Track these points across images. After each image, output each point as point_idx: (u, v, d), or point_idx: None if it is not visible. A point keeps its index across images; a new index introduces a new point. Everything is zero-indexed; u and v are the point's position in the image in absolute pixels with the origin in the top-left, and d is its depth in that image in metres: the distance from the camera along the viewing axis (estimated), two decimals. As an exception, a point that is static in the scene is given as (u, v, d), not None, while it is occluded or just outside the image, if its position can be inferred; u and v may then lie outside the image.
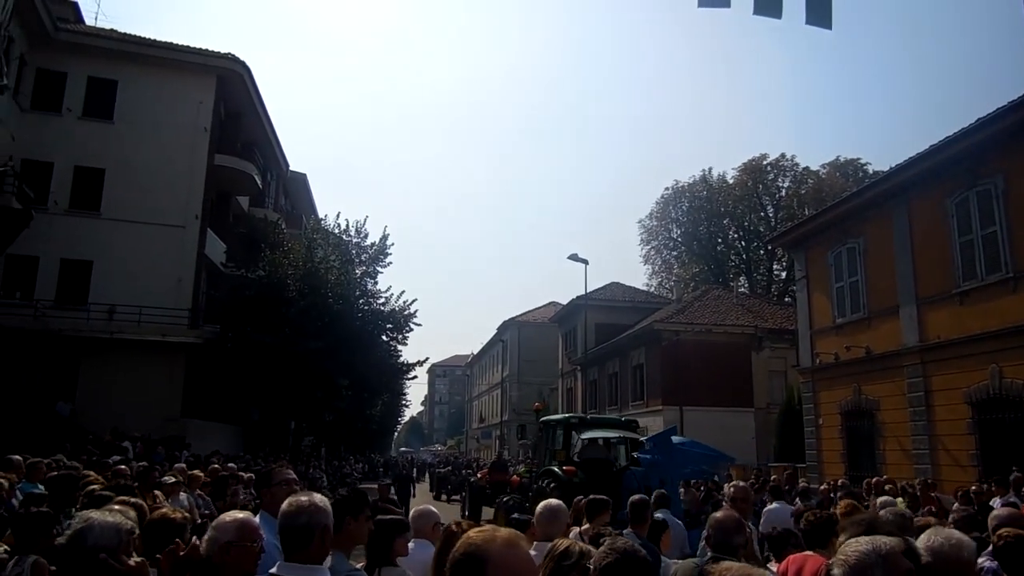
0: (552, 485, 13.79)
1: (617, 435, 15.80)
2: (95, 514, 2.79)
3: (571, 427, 16.18)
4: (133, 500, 4.99)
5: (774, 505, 8.99)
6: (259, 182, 30.08)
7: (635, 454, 14.16)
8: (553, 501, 4.53)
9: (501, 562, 1.68)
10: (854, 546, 2.34)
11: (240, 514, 3.33)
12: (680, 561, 4.24)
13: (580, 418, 17.61)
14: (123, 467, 8.77)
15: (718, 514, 4.17)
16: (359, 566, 3.82)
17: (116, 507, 3.15)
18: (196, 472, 10.97)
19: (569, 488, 12.33)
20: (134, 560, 2.80)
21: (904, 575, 2.28)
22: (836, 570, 2.32)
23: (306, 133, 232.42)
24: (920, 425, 16.03)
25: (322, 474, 25.54)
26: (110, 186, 24.46)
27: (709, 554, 3.93)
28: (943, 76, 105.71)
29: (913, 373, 16.35)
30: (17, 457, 8.26)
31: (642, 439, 14.52)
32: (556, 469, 14.66)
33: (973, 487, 11.57)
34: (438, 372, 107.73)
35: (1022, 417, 13.55)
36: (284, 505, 2.97)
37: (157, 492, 8.27)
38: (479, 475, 25.23)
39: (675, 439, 13.66)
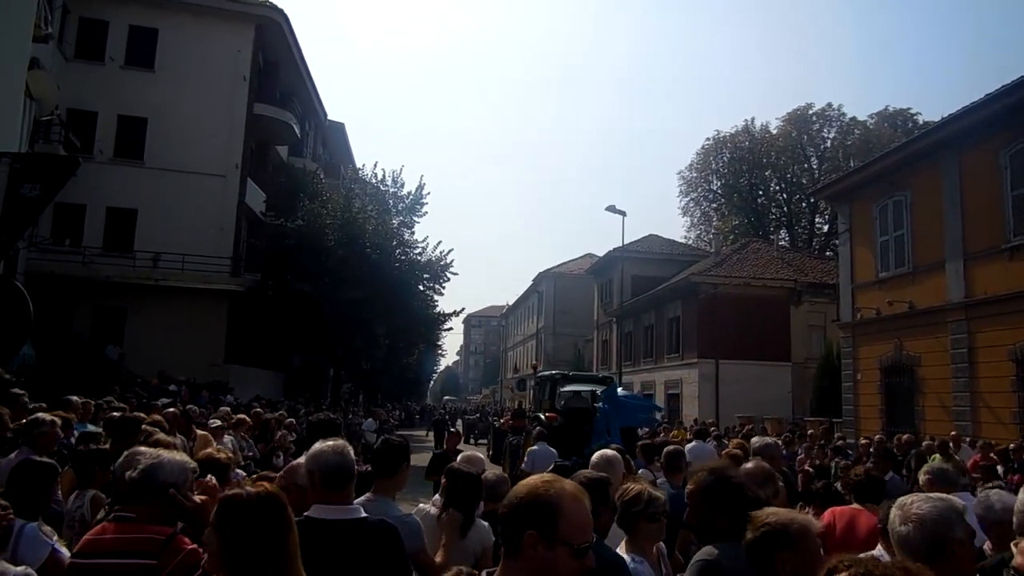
0: (538, 428, 15.35)
1: (589, 388, 18.37)
2: (164, 452, 2.91)
3: (555, 382, 19.50)
4: (171, 439, 5.22)
5: (693, 443, 10.57)
6: (297, 132, 30.19)
7: (596, 404, 16.68)
8: (609, 451, 4.65)
9: (573, 515, 1.75)
10: (929, 503, 2.32)
11: (302, 459, 3.51)
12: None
13: (563, 374, 20.77)
14: (172, 409, 9.06)
15: (748, 465, 4.17)
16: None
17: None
18: (242, 416, 11.32)
19: (550, 431, 14.56)
20: (199, 497, 2.93)
21: (972, 536, 2.29)
22: (903, 527, 2.30)
23: (344, 82, 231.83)
24: (962, 382, 15.78)
25: (362, 419, 26.09)
26: (152, 135, 24.80)
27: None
28: (1001, 23, 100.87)
29: (957, 329, 16.04)
30: (75, 398, 8.58)
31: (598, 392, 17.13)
32: (541, 416, 17.26)
33: (1011, 445, 11.42)
34: (473, 322, 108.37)
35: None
36: (323, 447, 3.02)
37: (199, 432, 8.59)
38: (502, 421, 26.68)
39: (620, 392, 16.85)
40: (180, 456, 2.96)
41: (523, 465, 10.08)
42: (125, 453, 3.14)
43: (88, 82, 23.97)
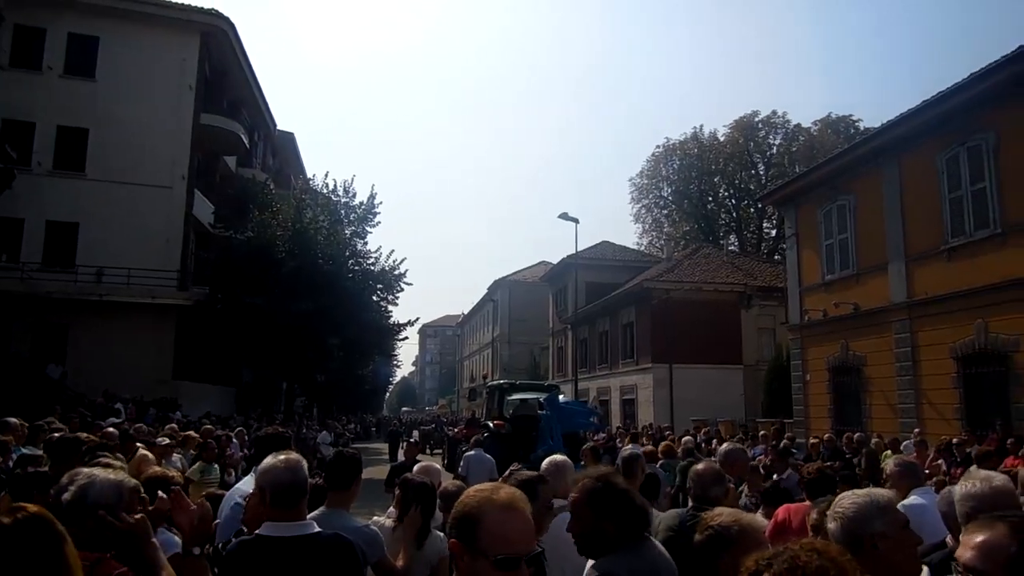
0: (486, 435, 15.55)
1: (535, 396, 18.94)
2: (98, 472, 2.78)
3: (503, 391, 20.47)
4: (113, 459, 5.04)
5: (630, 447, 10.77)
6: (246, 141, 29.70)
7: (539, 412, 17.34)
8: (558, 457, 4.62)
9: (494, 525, 1.69)
10: (850, 499, 2.37)
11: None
12: (663, 513, 4.31)
13: (511, 383, 22.02)
14: (111, 429, 8.77)
15: (698, 466, 4.21)
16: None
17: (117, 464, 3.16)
18: (190, 432, 11.05)
19: (498, 438, 15.45)
20: (135, 516, 2.81)
21: (903, 527, 2.32)
22: (831, 524, 2.34)
23: (294, 92, 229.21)
24: (906, 380, 16.23)
25: (316, 433, 25.71)
26: (94, 146, 24.13)
27: (691, 505, 3.99)
28: (938, 31, 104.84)
29: (900, 329, 16.50)
30: (14, 420, 8.23)
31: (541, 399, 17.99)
32: (489, 423, 18.09)
33: (955, 439, 11.78)
34: (429, 332, 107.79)
35: (1005, 371, 13.74)
36: (276, 461, 2.93)
37: (140, 452, 8.32)
38: (456, 431, 27.05)
39: (561, 399, 17.93)
40: (116, 475, 2.83)
41: (459, 470, 10.22)
42: (66, 475, 3.02)
43: (25, 91, 23.24)
